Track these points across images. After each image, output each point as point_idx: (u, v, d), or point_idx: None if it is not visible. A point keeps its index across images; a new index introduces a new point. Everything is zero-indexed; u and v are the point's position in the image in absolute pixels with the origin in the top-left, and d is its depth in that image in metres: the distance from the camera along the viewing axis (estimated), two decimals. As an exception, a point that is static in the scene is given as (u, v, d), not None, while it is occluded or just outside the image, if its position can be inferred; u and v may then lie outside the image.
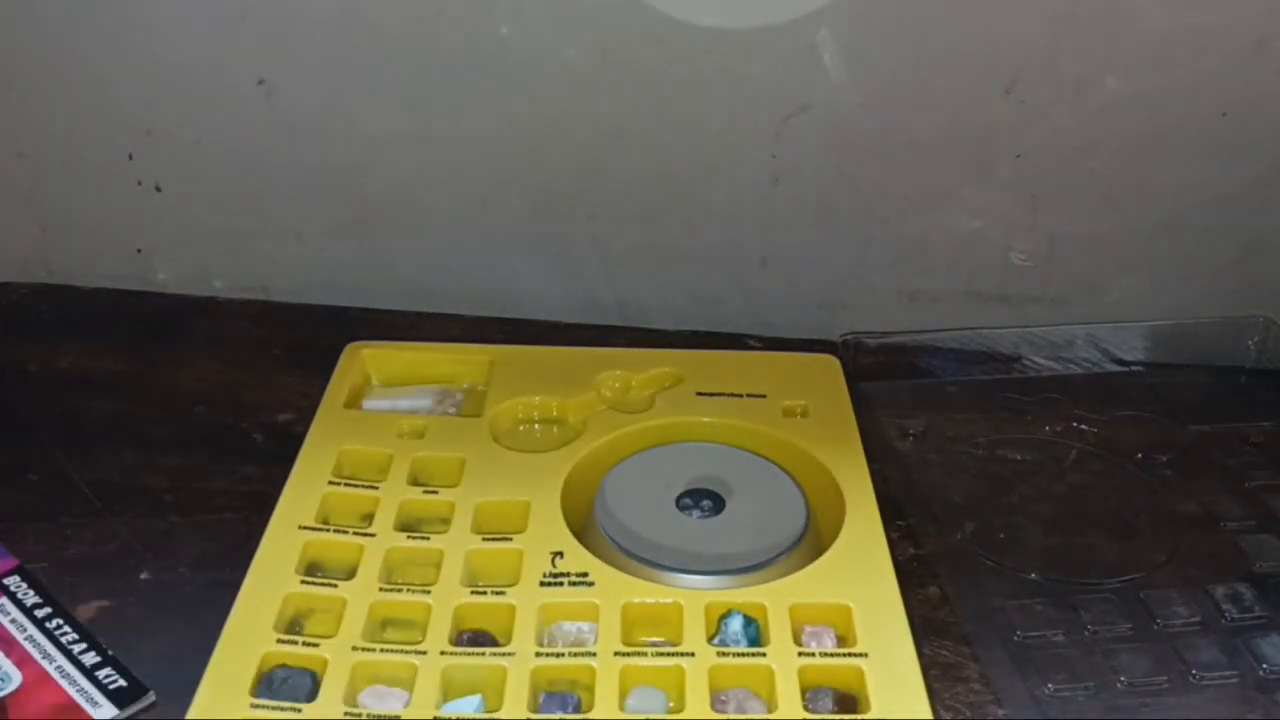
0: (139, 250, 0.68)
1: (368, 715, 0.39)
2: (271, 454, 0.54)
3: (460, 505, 0.48)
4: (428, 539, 0.46)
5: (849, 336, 0.61)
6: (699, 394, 0.56)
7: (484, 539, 0.47)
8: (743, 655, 0.42)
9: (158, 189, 0.66)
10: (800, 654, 0.42)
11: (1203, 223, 0.62)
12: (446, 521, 0.47)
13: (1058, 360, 0.63)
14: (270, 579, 0.44)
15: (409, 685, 0.40)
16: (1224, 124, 0.59)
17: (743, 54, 0.59)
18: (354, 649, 0.41)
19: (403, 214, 0.66)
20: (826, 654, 0.42)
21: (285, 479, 0.49)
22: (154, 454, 0.56)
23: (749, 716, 0.40)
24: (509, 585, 0.44)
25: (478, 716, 0.39)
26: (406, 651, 0.41)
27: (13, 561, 0.48)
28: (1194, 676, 0.45)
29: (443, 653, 0.41)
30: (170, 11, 0.60)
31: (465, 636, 0.43)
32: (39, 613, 0.46)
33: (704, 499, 0.50)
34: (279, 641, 0.41)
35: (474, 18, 0.59)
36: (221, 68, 0.62)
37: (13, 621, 0.45)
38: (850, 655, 0.42)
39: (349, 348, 0.58)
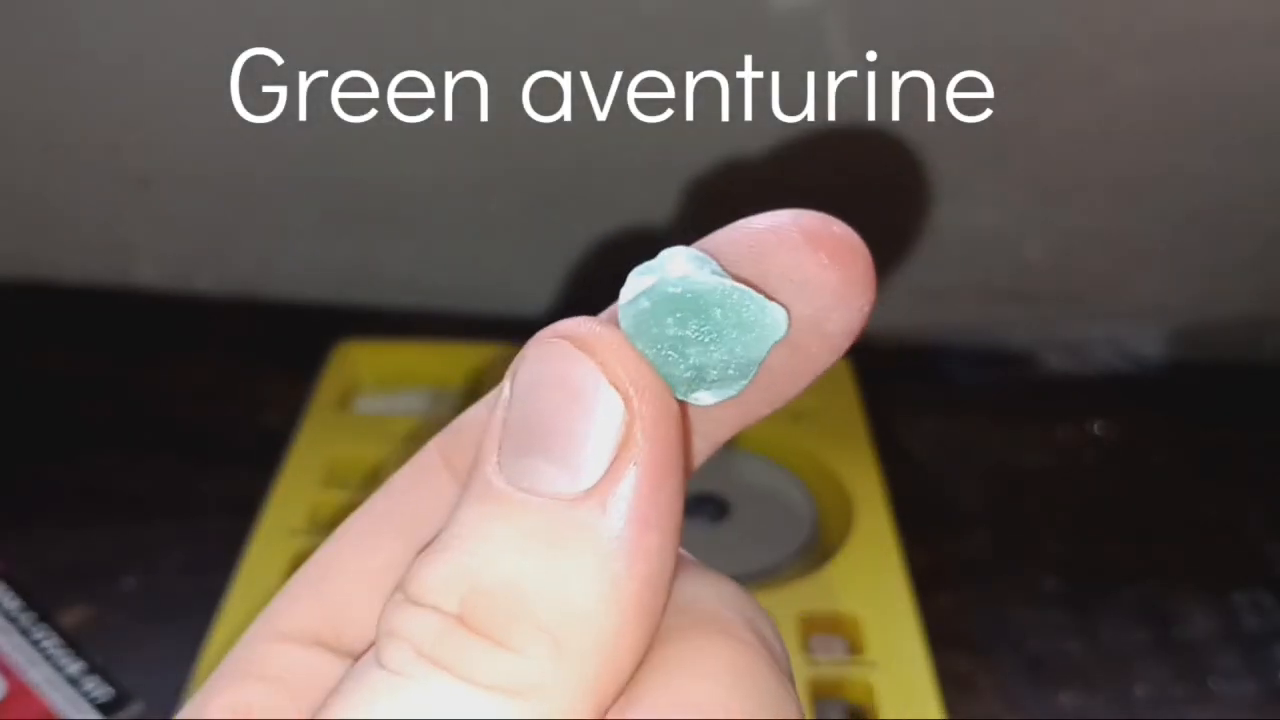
0: (124, 247, 0.68)
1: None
2: (260, 457, 0.53)
3: (456, 510, 0.47)
4: (422, 545, 0.46)
5: (859, 335, 0.61)
6: (702, 394, 0.55)
7: (480, 545, 0.46)
8: (749, 666, 0.41)
9: (144, 184, 0.65)
10: (809, 664, 0.41)
11: (1224, 218, 0.61)
12: (441, 527, 0.47)
13: (1074, 360, 0.63)
14: (258, 585, 0.43)
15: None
16: (1246, 116, 0.58)
17: (744, 42, 0.58)
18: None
19: (395, 210, 0.65)
20: (836, 664, 0.41)
21: (274, 483, 0.48)
22: (139, 457, 0.55)
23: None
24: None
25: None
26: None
27: (-7, 568, 0.48)
28: (1213, 686, 0.44)
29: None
30: (157, 1, 0.59)
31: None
32: (21, 620, 0.45)
33: (707, 504, 0.49)
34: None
35: (469, 10, 0.58)
36: (209, 60, 0.61)
37: (-7, 630, 0.45)
38: (860, 665, 0.41)
39: (340, 347, 0.57)
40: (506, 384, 0.15)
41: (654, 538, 0.14)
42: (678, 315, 0.15)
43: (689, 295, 0.15)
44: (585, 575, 0.13)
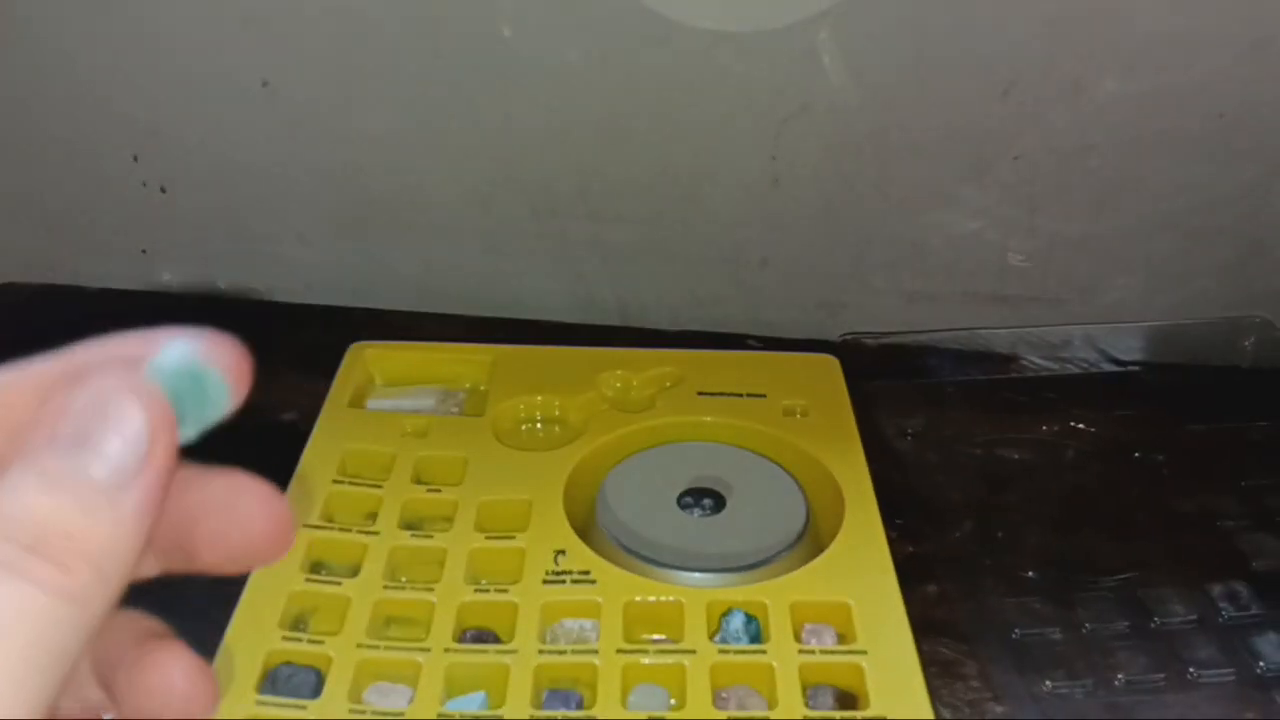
0: (144, 251, 0.69)
1: (372, 712, 0.39)
2: (275, 454, 0.54)
3: (463, 504, 0.48)
4: (431, 537, 0.47)
5: (848, 336, 0.62)
6: (699, 394, 0.56)
7: (487, 537, 0.47)
8: (743, 653, 0.42)
9: (162, 190, 0.66)
10: (800, 651, 0.42)
11: (1199, 224, 0.62)
12: (450, 520, 0.48)
13: (1055, 360, 0.63)
14: (274, 577, 0.44)
15: (412, 682, 0.40)
16: (1221, 125, 0.58)
17: (743, 56, 0.59)
18: (358, 646, 0.41)
19: (405, 215, 0.66)
20: (826, 651, 0.42)
21: (289, 479, 0.49)
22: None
23: (750, 713, 0.40)
24: (511, 583, 0.44)
25: (481, 714, 0.40)
26: (410, 649, 0.42)
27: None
28: (1191, 674, 0.45)
29: (446, 650, 0.42)
30: (174, 14, 0.60)
31: (468, 634, 0.43)
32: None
33: (705, 498, 0.50)
34: (284, 639, 0.42)
35: (476, 20, 0.59)
36: (226, 70, 0.62)
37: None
38: (850, 652, 0.42)
39: (352, 348, 0.58)
40: (69, 392, 0.22)
41: (155, 507, 0.21)
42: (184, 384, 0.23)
43: (190, 372, 0.23)
44: (110, 525, 0.21)
